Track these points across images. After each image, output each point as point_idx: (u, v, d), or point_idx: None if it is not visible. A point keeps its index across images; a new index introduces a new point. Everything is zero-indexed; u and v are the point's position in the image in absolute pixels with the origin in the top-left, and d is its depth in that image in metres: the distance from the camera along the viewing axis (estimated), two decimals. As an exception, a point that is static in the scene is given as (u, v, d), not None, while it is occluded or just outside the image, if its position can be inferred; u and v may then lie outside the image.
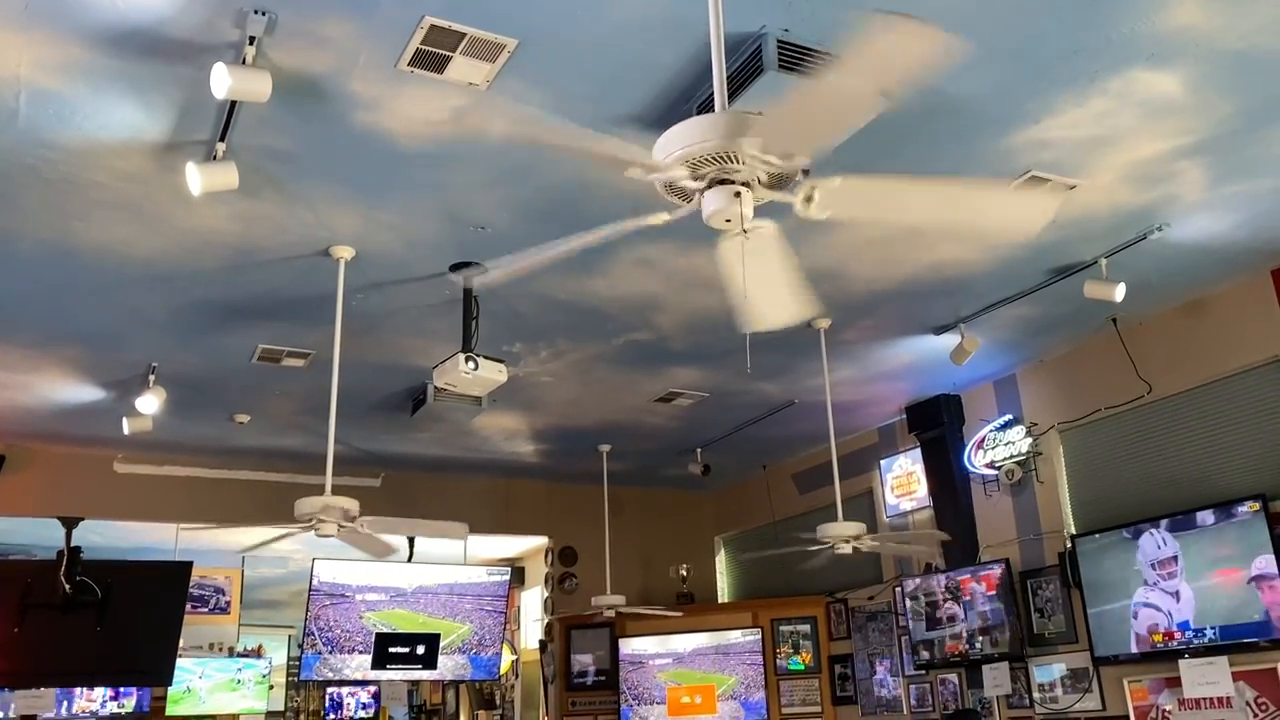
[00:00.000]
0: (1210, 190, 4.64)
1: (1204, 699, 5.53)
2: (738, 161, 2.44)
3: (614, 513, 8.60)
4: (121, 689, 8.95)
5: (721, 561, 9.99)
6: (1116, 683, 6.04)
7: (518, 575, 11.08)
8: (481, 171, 4.21)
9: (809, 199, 2.58)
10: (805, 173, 2.57)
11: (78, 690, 8.72)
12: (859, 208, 2.86)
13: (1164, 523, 5.76)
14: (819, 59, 3.48)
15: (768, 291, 3.16)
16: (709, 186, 2.51)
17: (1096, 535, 6.14)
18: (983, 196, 3.03)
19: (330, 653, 8.36)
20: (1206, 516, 5.56)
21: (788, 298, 3.23)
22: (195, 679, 9.58)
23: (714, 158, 2.44)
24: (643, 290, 5.46)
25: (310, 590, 8.41)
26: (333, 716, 12.52)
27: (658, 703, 8.46)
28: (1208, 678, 5.47)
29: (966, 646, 6.89)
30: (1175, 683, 5.63)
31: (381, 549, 5.42)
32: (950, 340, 6.11)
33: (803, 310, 3.35)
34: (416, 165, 4.14)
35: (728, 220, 2.54)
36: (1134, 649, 5.83)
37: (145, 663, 7.79)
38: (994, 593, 6.75)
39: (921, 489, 7.62)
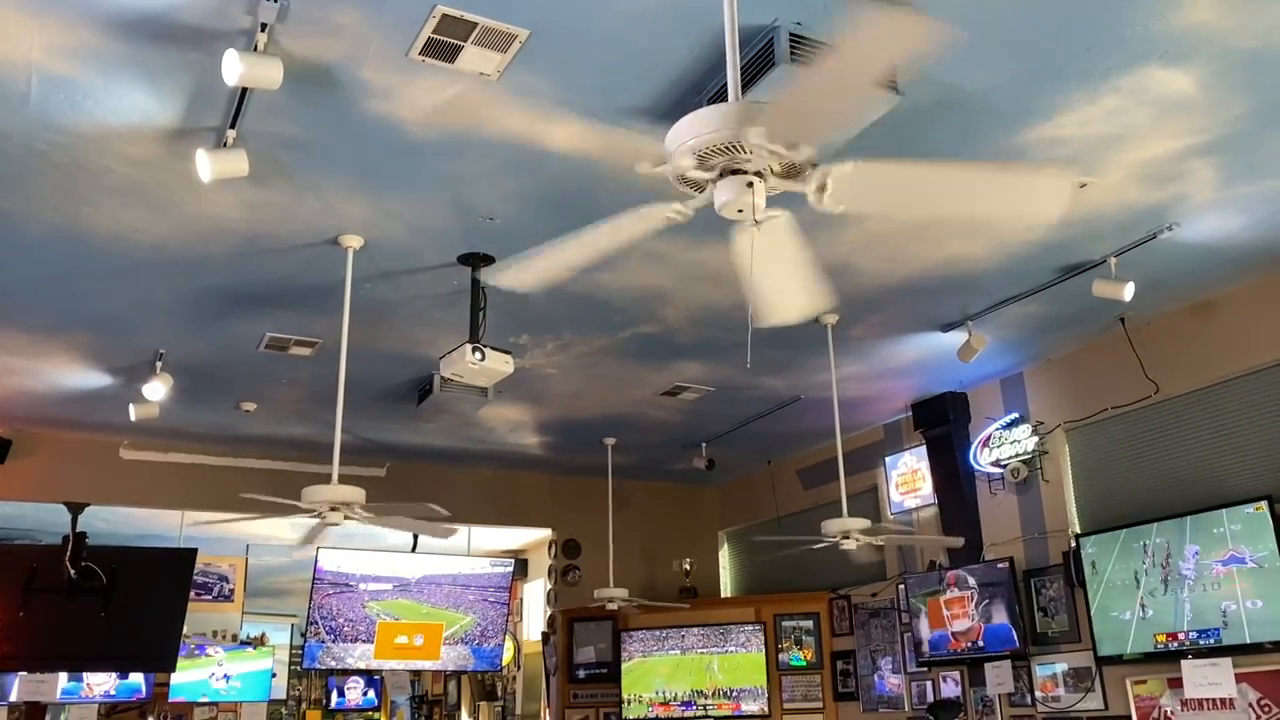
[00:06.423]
0: (1221, 190, 4.63)
1: (1206, 700, 5.52)
2: (747, 152, 2.44)
3: (618, 506, 8.61)
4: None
5: (725, 556, 9.99)
6: (1119, 682, 6.03)
7: (521, 567, 11.08)
8: (491, 161, 4.21)
9: (822, 188, 2.56)
10: (814, 165, 2.56)
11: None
12: (872, 197, 2.83)
13: (1169, 523, 5.75)
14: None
15: (780, 285, 3.13)
16: (721, 177, 2.51)
17: (1101, 534, 6.14)
18: (1000, 180, 2.94)
19: (333, 641, 8.38)
20: (1212, 517, 5.54)
21: (800, 292, 3.20)
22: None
23: (724, 148, 2.43)
24: (650, 283, 5.45)
25: (314, 579, 8.44)
26: (335, 705, 12.57)
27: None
28: (1210, 679, 5.46)
29: (969, 644, 6.89)
30: (1178, 683, 5.62)
31: (440, 530, 5.42)
32: (957, 338, 6.10)
33: (816, 305, 3.32)
34: (426, 155, 4.13)
35: (740, 211, 2.54)
36: (1137, 649, 5.82)
37: (149, 648, 7.83)
38: (997, 591, 6.75)
39: (926, 486, 7.61)
